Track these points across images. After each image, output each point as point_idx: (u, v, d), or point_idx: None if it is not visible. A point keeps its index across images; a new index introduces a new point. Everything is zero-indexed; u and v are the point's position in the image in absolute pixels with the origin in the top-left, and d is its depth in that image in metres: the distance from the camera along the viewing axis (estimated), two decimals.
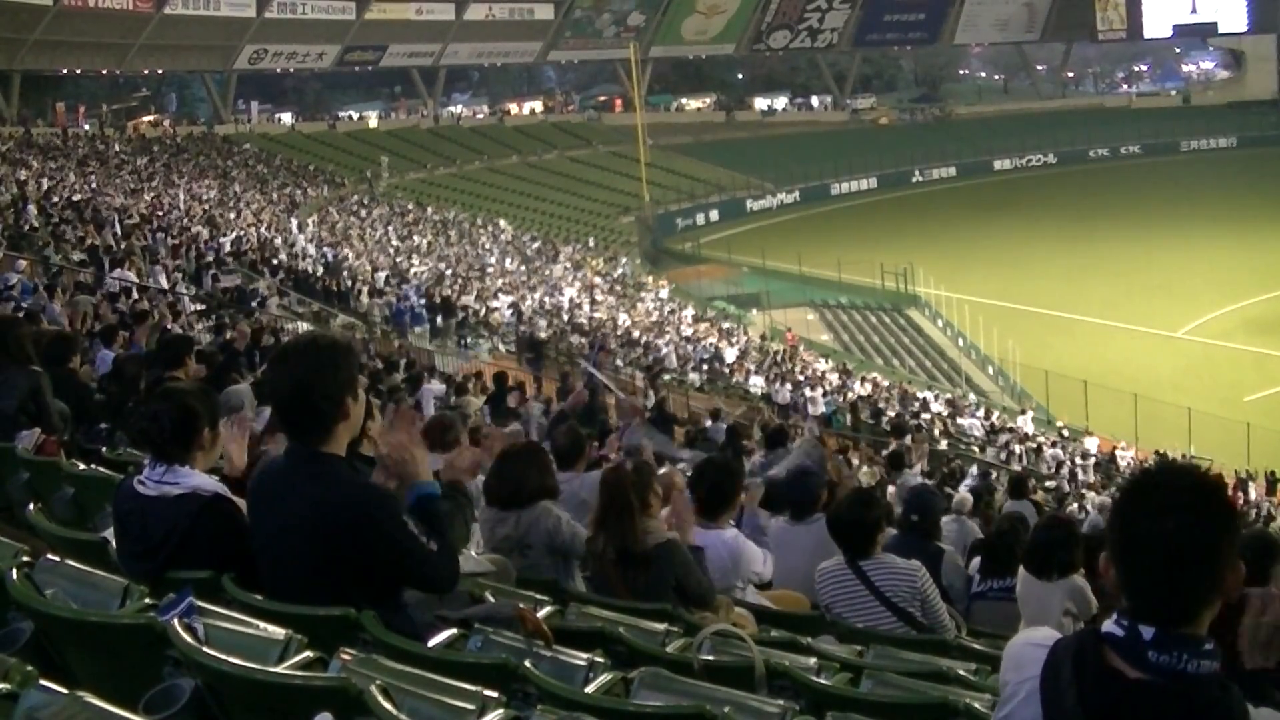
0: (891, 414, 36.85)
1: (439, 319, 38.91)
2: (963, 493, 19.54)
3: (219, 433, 5.36)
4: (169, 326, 18.58)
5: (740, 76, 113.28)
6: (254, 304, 30.46)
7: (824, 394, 37.70)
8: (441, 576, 4.64)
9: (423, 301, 39.61)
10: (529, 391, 24.72)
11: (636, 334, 45.37)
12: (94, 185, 47.45)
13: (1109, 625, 2.78)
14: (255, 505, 4.73)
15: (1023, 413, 40.63)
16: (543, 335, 39.56)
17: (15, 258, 24.96)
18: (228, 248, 38.44)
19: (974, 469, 27.63)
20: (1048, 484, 29.37)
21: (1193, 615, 2.72)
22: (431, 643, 4.40)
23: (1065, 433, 38.77)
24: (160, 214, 42.99)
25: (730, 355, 43.67)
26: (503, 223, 67.74)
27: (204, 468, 5.22)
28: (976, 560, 9.75)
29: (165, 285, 28.38)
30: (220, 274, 33.29)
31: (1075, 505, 26.69)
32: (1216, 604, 2.75)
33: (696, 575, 6.89)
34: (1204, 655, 2.70)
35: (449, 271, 49.91)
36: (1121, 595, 2.79)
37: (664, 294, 57.67)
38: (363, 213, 62.35)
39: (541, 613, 4.99)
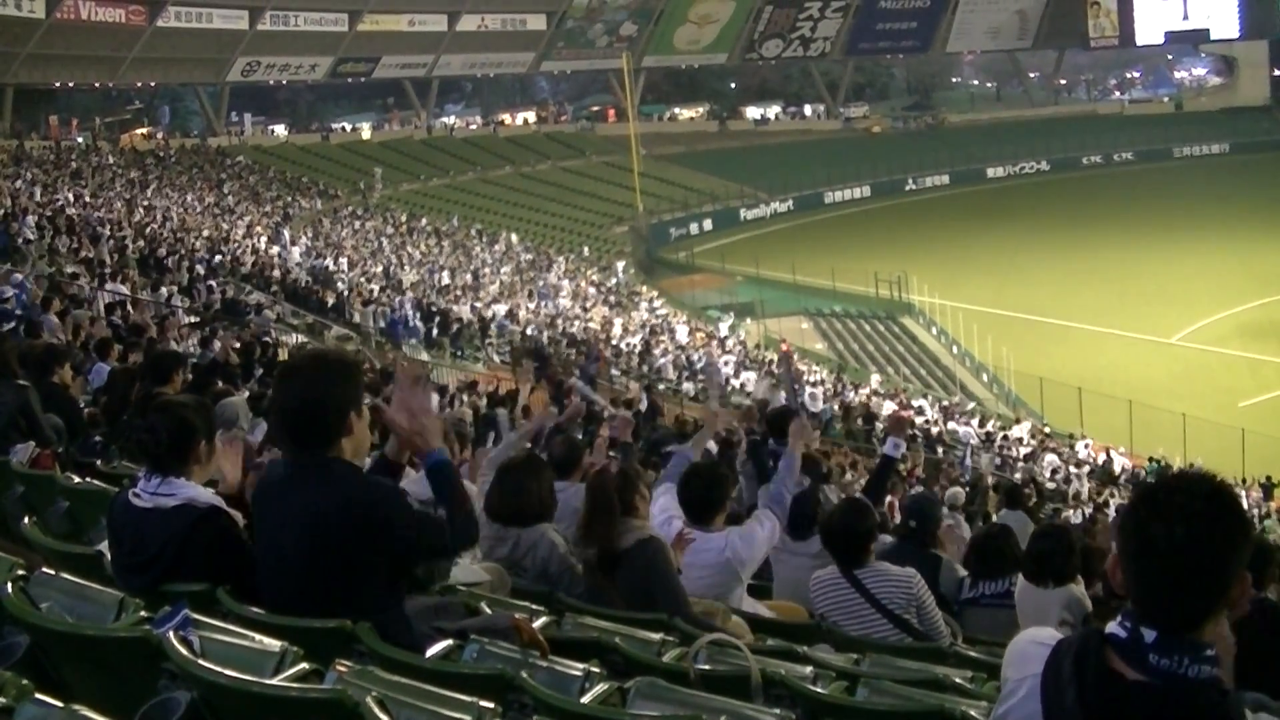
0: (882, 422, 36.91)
1: (434, 330, 38.89)
2: (954, 489, 19.56)
3: (215, 446, 5.36)
4: (155, 338, 18.53)
5: (733, 86, 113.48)
6: (249, 316, 30.44)
7: (822, 400, 37.73)
8: (457, 537, 4.73)
9: (416, 313, 39.59)
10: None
11: (631, 341, 45.40)
12: (87, 198, 47.40)
13: (1112, 626, 2.79)
14: (259, 512, 4.74)
15: (1018, 421, 40.65)
16: (547, 345, 39.62)
17: (10, 271, 24.97)
18: (221, 260, 38.42)
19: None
20: (1043, 490, 29.35)
21: (1197, 622, 2.74)
22: (428, 654, 4.40)
23: (1048, 431, 38.84)
24: (154, 226, 42.97)
25: (726, 364, 43.66)
26: (513, 236, 67.77)
27: (200, 480, 5.22)
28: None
29: (154, 298, 28.34)
30: (214, 286, 33.30)
31: (1072, 512, 26.72)
32: (1221, 612, 2.77)
33: (669, 579, 6.90)
34: (1204, 660, 2.72)
35: (444, 281, 49.94)
36: (1128, 595, 2.81)
37: (657, 303, 57.67)
38: (356, 224, 62.36)
39: (537, 623, 4.99)
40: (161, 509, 4.98)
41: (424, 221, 66.99)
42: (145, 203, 50.86)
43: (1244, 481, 32.46)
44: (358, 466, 4.63)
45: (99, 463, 8.45)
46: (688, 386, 39.82)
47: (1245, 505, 29.26)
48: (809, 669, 5.09)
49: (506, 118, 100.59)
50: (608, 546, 6.80)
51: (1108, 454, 36.58)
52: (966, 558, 9.63)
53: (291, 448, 4.65)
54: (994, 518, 17.08)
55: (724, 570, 7.54)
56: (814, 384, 40.72)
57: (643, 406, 28.09)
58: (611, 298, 56.85)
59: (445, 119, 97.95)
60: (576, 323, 48.42)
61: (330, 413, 4.50)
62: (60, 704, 3.24)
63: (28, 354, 10.37)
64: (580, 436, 13.80)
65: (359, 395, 4.65)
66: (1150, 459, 35.42)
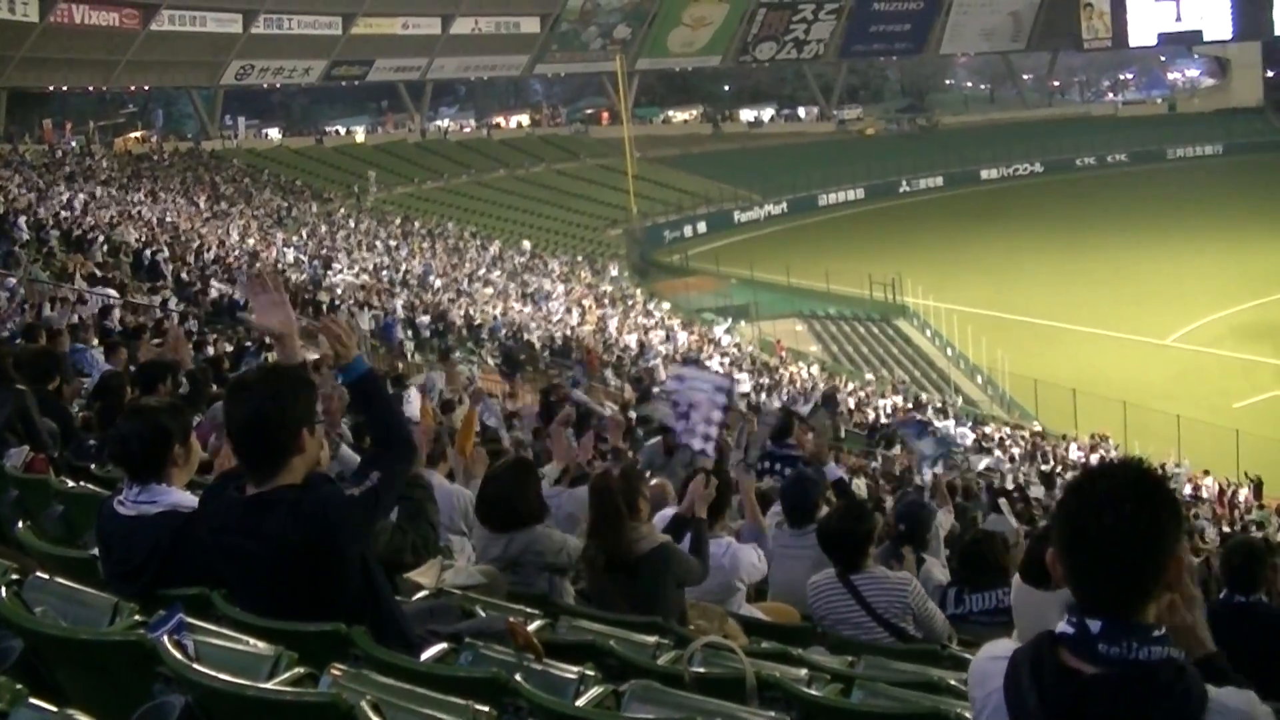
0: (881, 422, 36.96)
1: (428, 333, 38.88)
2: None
3: (193, 446, 5.31)
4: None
5: (727, 88, 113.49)
6: (240, 316, 30.37)
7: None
8: (391, 461, 4.67)
9: (410, 316, 39.59)
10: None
11: (626, 343, 45.38)
12: (81, 201, 47.37)
13: (1061, 625, 2.83)
14: (216, 544, 4.62)
15: (1017, 428, 40.61)
16: (522, 345, 39.61)
17: (3, 276, 24.97)
18: (214, 263, 38.40)
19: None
20: (1027, 495, 29.24)
21: (1138, 605, 2.77)
22: (423, 657, 4.40)
23: (1041, 431, 38.81)
24: (148, 230, 42.94)
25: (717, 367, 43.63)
26: (526, 243, 67.89)
27: (182, 482, 5.20)
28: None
29: (149, 301, 28.34)
30: (208, 288, 33.29)
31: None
32: (1162, 594, 2.81)
33: (691, 569, 7.00)
34: (1154, 641, 2.75)
35: (437, 284, 49.95)
36: (1068, 588, 2.84)
37: (652, 306, 57.63)
38: (351, 224, 62.34)
39: (532, 626, 4.99)
40: (145, 516, 4.96)
41: (418, 225, 66.97)
42: (138, 206, 50.81)
43: (1254, 484, 32.23)
44: (301, 485, 4.51)
45: (93, 466, 8.44)
46: None
47: (1232, 499, 29.35)
48: (804, 671, 5.10)
49: (500, 120, 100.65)
50: (620, 551, 6.81)
51: (1091, 448, 36.59)
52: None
53: (244, 468, 4.56)
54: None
55: (718, 572, 7.58)
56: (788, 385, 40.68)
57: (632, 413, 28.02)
58: (605, 300, 56.76)
59: (439, 122, 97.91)
60: (570, 320, 48.41)
61: (282, 429, 4.42)
62: (54, 709, 3.23)
63: (21, 357, 10.36)
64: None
65: (312, 411, 4.57)
66: (1102, 457, 35.38)
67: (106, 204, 49.09)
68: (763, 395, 38.98)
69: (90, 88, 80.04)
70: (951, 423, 38.27)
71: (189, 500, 5.03)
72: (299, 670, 3.75)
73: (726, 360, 44.98)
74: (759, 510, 9.70)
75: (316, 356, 4.90)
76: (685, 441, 10.88)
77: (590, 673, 4.30)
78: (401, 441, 4.74)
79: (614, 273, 66.01)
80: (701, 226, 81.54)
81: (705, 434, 10.76)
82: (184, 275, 34.78)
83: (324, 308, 36.62)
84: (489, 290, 51.86)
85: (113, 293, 26.86)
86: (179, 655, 3.68)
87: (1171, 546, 2.78)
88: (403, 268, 52.23)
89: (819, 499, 9.26)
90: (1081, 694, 2.72)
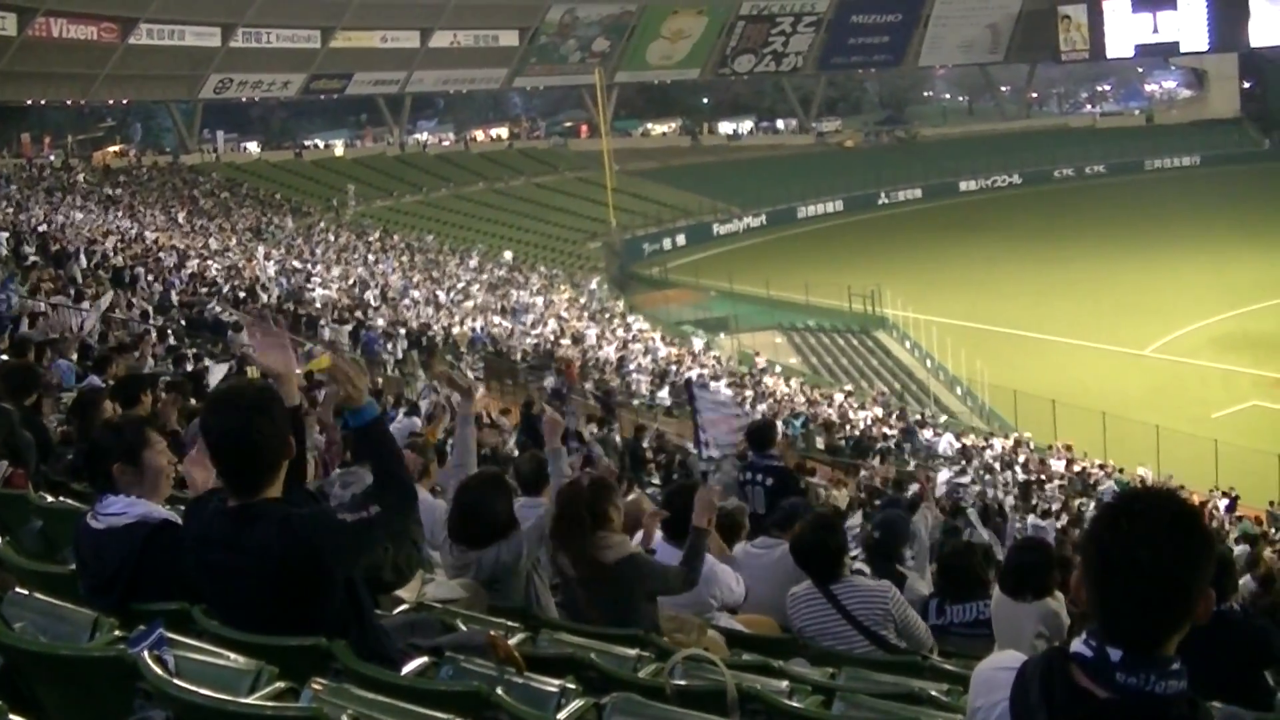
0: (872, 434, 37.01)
1: (407, 346, 38.78)
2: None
3: (146, 462, 5.22)
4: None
5: (706, 101, 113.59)
6: (228, 333, 30.28)
7: (792, 415, 37.77)
8: (392, 509, 4.57)
9: (392, 330, 39.50)
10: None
11: (606, 355, 45.36)
12: (60, 216, 47.22)
13: (1077, 645, 2.80)
14: (197, 561, 4.56)
15: (1001, 437, 40.58)
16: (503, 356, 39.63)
17: None
18: (191, 278, 38.27)
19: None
20: (1003, 507, 29.26)
21: (1162, 639, 2.75)
22: (404, 671, 4.39)
23: (1031, 444, 38.81)
24: (127, 244, 42.80)
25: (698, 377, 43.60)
26: (508, 254, 67.93)
27: (156, 496, 5.16)
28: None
29: (128, 315, 28.22)
30: (188, 304, 33.17)
31: (1047, 525, 26.72)
32: (1186, 628, 2.78)
33: (664, 580, 6.98)
34: (1171, 675, 2.73)
35: (418, 296, 49.89)
36: (1093, 615, 2.81)
37: (631, 320, 57.60)
38: (330, 238, 62.21)
39: (513, 640, 4.99)
40: (115, 528, 4.94)
41: (397, 238, 66.92)
42: (117, 221, 50.67)
43: (1230, 498, 32.21)
44: (287, 501, 4.47)
45: (72, 482, 8.40)
46: (662, 396, 39.75)
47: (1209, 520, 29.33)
48: (785, 683, 5.09)
49: (480, 134, 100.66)
50: (580, 558, 6.79)
51: (1069, 460, 36.62)
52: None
53: (231, 484, 4.46)
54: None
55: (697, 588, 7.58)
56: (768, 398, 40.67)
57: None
58: (585, 313, 56.74)
59: (418, 135, 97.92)
60: (549, 330, 48.36)
61: (273, 438, 4.38)
62: None
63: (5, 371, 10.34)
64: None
65: (288, 420, 4.55)
66: (1119, 471, 35.35)
67: (86, 218, 48.94)
68: (746, 406, 39.00)
69: (69, 101, 79.69)
70: (929, 432, 38.42)
71: (159, 512, 5.01)
72: (280, 685, 3.74)
73: (705, 372, 44.98)
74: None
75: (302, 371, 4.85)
76: (709, 455, 11.02)
77: (571, 686, 4.29)
78: (402, 489, 4.66)
79: (593, 286, 66.01)
80: (680, 239, 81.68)
81: (721, 443, 10.90)
82: (159, 287, 34.64)
83: (303, 323, 36.63)
84: (468, 304, 51.78)
85: (87, 307, 26.73)
86: (159, 670, 3.67)
87: (1204, 583, 2.75)
88: (381, 282, 52.13)
89: (796, 515, 9.26)
90: (1093, 716, 2.72)
